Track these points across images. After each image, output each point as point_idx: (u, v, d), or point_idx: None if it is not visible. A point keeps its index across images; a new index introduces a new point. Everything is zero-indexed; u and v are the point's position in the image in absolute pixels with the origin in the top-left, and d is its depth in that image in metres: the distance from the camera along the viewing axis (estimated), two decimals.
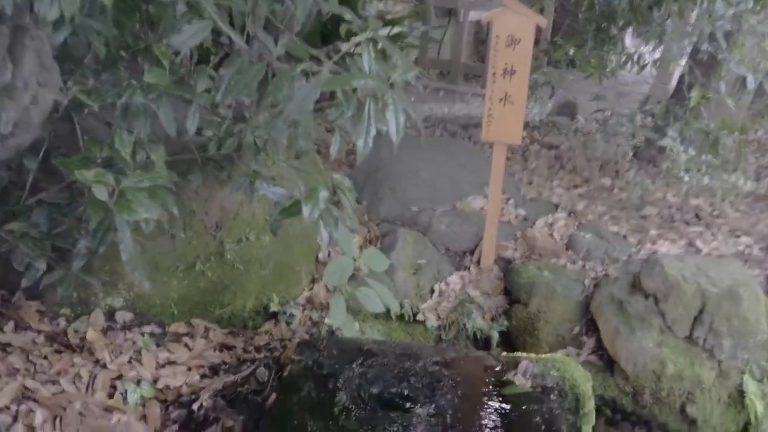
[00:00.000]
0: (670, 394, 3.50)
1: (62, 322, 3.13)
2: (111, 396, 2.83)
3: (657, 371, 3.51)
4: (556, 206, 4.98)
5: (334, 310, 3.08)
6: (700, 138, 4.98)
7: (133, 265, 2.28)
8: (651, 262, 3.79)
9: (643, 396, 3.56)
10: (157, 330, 3.28)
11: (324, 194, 2.49)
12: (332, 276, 3.01)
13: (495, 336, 4.04)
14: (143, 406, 2.84)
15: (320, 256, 4.11)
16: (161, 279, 3.39)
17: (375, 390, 2.88)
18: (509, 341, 4.08)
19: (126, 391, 2.83)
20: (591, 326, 3.88)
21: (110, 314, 3.25)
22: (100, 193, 2.13)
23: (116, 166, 2.28)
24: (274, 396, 2.74)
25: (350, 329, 3.36)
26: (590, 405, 2.96)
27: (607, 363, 3.72)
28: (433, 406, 2.83)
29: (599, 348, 3.79)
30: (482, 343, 4.07)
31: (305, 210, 2.43)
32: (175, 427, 2.78)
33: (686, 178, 4.65)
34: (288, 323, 3.70)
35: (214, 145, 2.93)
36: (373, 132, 2.20)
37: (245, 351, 3.33)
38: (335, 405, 2.70)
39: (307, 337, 3.64)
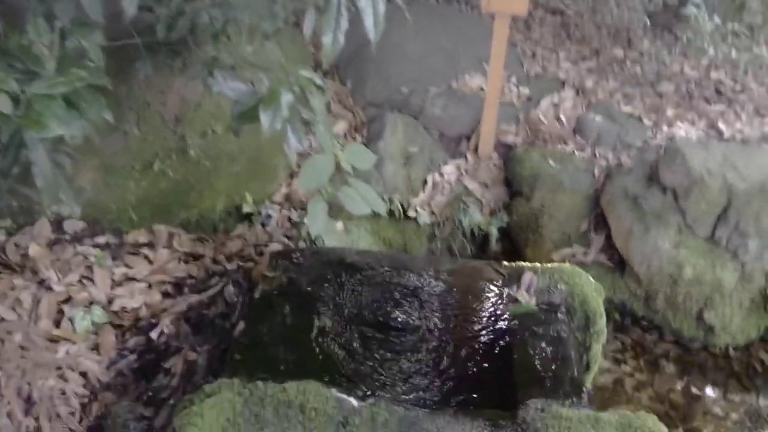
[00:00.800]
0: (687, 299, 3.18)
1: (1, 236, 2.73)
2: (57, 323, 2.48)
3: (673, 274, 3.18)
4: (563, 83, 4.47)
5: (313, 216, 2.70)
6: (725, 4, 4.43)
7: (51, 195, 1.84)
8: (671, 152, 3.37)
9: (656, 301, 3.24)
10: (114, 240, 2.90)
11: (287, 98, 2.02)
12: (309, 178, 2.60)
13: (494, 233, 3.69)
14: (95, 333, 2.50)
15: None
16: (115, 181, 2.97)
17: (360, 312, 2.54)
18: (510, 238, 3.72)
19: (75, 317, 2.48)
20: (600, 222, 3.51)
21: (58, 224, 2.86)
22: (2, 104, 1.68)
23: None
24: (242, 325, 2.38)
25: (332, 236, 2.99)
26: (601, 323, 2.64)
27: (617, 263, 3.38)
28: (426, 329, 2.49)
29: (609, 247, 3.44)
30: (480, 241, 3.72)
31: (264, 118, 1.98)
32: (132, 357, 2.45)
33: (711, 51, 4.14)
34: (264, 225, 3.32)
35: (163, 26, 2.43)
36: (344, 25, 1.72)
37: (215, 261, 2.96)
38: (314, 332, 2.36)
39: (286, 240, 3.28)
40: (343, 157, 2.63)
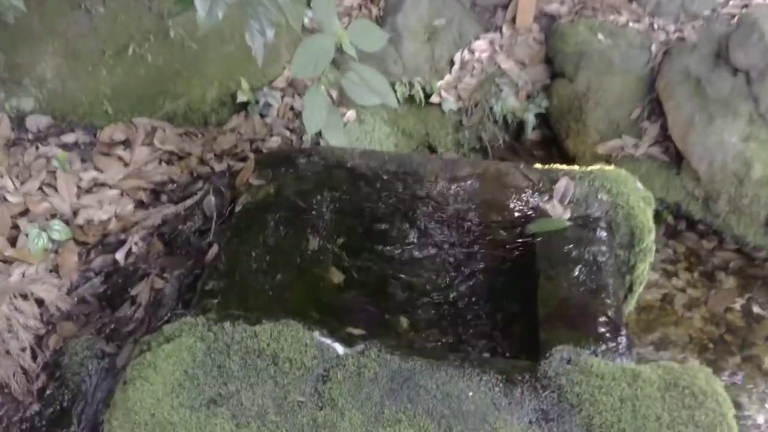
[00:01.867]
0: (754, 201, 2.70)
1: None
2: (13, 241, 2.16)
3: (739, 173, 2.69)
4: None
5: (310, 109, 2.31)
6: None
7: None
8: (745, 24, 2.78)
9: (717, 203, 2.76)
10: (84, 139, 2.53)
11: None
12: (303, 63, 2.18)
13: (530, 120, 3.22)
14: (56, 252, 2.17)
15: (305, 21, 3.16)
16: (84, 69, 2.57)
17: (358, 230, 2.16)
18: (548, 127, 3.25)
19: (33, 234, 2.15)
20: (655, 109, 3.00)
21: (19, 121, 2.49)
22: None
23: None
24: (216, 247, 2.02)
25: (337, 135, 2.56)
26: (649, 239, 2.21)
27: (673, 158, 2.89)
28: (435, 253, 2.11)
29: (664, 138, 2.94)
30: (513, 129, 3.25)
31: (199, 4, 1.51)
32: (98, 280, 2.13)
33: None
34: (263, 116, 2.90)
35: None
36: None
37: (202, 161, 2.58)
38: (301, 256, 1.99)
39: (287, 133, 2.87)
40: (347, 36, 2.20)
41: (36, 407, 1.89)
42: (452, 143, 3.21)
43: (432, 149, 3.21)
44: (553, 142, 3.24)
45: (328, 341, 1.71)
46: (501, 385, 1.63)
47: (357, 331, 1.82)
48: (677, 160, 2.87)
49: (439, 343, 1.99)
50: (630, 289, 2.29)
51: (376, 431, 1.55)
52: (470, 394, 1.61)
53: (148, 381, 1.61)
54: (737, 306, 2.62)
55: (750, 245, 2.78)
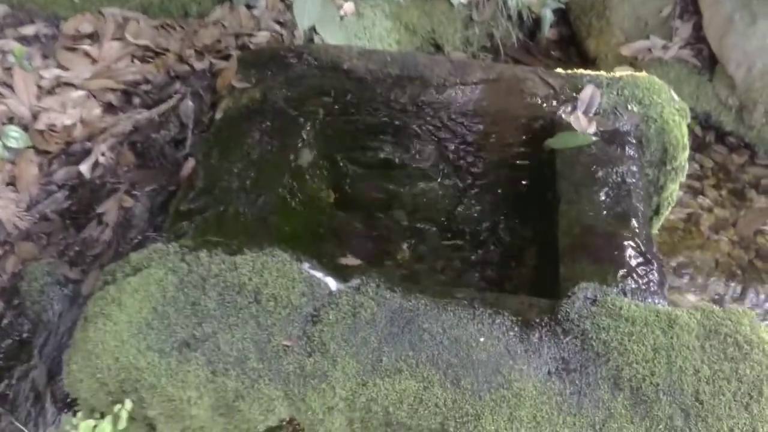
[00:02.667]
0: None
1: None
2: None
3: None
4: None
5: (302, 3, 2.03)
6: None
7: None
8: None
9: (752, 113, 2.51)
10: (46, 31, 2.24)
11: None
12: None
13: (547, 16, 2.92)
14: (12, 163, 1.92)
15: None
16: None
17: (355, 143, 1.91)
18: (567, 24, 2.94)
19: None
20: (689, 6, 2.71)
21: None
22: None
23: None
24: (192, 161, 1.77)
25: (332, 31, 2.27)
26: (683, 157, 1.97)
27: (706, 62, 2.62)
28: (442, 171, 1.87)
29: (697, 40, 2.64)
30: (529, 27, 2.93)
31: None
32: (60, 195, 1.89)
33: None
34: (249, 7, 2.57)
35: None
36: None
37: (180, 59, 2.28)
38: (289, 173, 1.75)
39: (277, 27, 2.56)
40: None
41: None
42: (460, 41, 2.90)
43: (438, 47, 2.91)
44: (571, 41, 2.94)
45: (318, 275, 1.49)
46: (516, 328, 1.42)
47: (351, 261, 1.59)
48: (710, 64, 2.60)
49: (443, 275, 1.78)
50: (656, 212, 2.07)
51: (372, 382, 1.35)
52: (481, 339, 1.40)
53: (111, 320, 1.40)
54: None
55: None
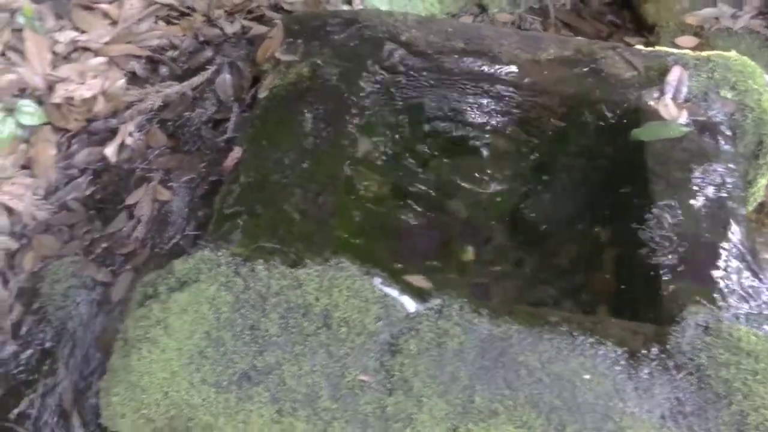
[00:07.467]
0: None
1: None
2: None
3: None
4: None
5: None
6: None
7: None
8: None
9: None
10: None
11: None
12: None
13: None
14: (26, 142, 1.69)
15: None
16: None
17: (418, 127, 1.69)
18: None
19: None
20: None
21: None
22: None
23: None
24: (238, 151, 1.54)
25: None
26: None
27: None
28: (512, 156, 1.66)
29: None
30: None
31: None
32: (83, 180, 1.67)
33: None
34: None
35: None
36: None
37: (209, 20, 2.03)
38: (351, 164, 1.54)
39: None
40: None
41: (11, 347, 1.49)
42: (507, 2, 2.65)
43: (482, 8, 2.65)
44: (626, 4, 2.69)
45: (393, 293, 1.30)
46: (622, 362, 1.24)
47: (418, 281, 1.38)
48: None
49: (515, 281, 1.60)
50: None
51: (465, 427, 1.16)
52: (586, 377, 1.22)
53: (158, 346, 1.20)
54: None
55: None
